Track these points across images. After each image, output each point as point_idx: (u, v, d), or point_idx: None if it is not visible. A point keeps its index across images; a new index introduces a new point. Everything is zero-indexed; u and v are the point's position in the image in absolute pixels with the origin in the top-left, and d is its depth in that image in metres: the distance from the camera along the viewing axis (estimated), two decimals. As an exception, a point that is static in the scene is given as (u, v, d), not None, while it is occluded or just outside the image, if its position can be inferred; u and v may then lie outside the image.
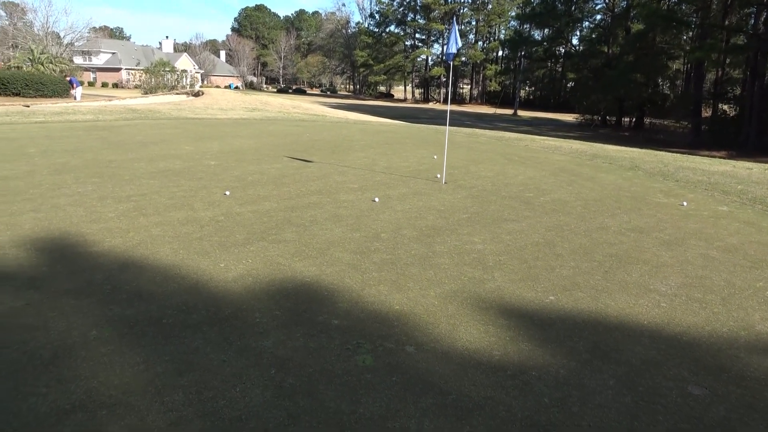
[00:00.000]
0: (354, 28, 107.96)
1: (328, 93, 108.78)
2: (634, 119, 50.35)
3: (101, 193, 7.71)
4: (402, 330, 3.90)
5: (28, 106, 25.06)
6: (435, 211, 7.44)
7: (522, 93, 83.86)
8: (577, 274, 5.23)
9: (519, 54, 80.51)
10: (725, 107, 43.68)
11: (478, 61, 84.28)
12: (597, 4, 59.91)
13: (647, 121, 48.22)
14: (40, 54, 43.61)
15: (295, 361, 3.42)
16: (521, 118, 58.53)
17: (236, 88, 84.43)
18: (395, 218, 6.99)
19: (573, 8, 59.11)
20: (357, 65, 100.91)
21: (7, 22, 71.85)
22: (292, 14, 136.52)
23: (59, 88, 34.27)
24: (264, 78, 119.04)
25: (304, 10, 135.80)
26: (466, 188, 9.25)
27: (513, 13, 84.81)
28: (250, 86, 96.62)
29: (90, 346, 3.50)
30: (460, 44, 8.60)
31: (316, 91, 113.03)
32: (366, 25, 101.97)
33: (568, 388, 3.26)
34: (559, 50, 71.56)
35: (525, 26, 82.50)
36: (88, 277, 4.63)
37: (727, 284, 5.13)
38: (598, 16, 59.85)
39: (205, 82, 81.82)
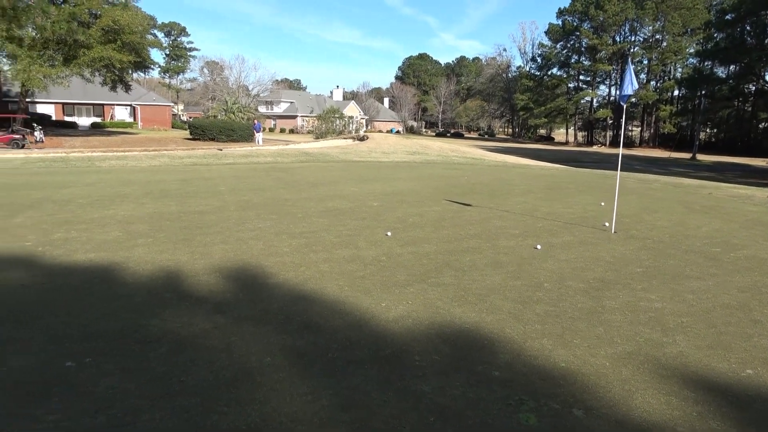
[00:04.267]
0: (515, 72, 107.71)
1: (486, 136, 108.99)
2: None
3: (277, 229, 8.44)
4: (569, 390, 3.62)
5: (221, 150, 28.68)
6: (604, 263, 6.94)
7: (702, 135, 76.18)
8: (782, 345, 4.46)
9: (698, 93, 73.80)
10: None
11: (650, 102, 78.59)
12: (798, 35, 52.99)
13: None
14: (233, 104, 49.97)
15: (454, 410, 3.33)
16: (701, 162, 53.00)
17: (397, 132, 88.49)
18: (559, 268, 6.64)
19: (767, 41, 52.84)
20: (517, 109, 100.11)
21: (208, 79, 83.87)
22: (452, 61, 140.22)
23: (246, 133, 38.81)
24: (423, 122, 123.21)
25: (464, 57, 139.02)
26: (639, 239, 8.51)
27: (691, 50, 78.32)
28: (410, 130, 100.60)
29: (265, 372, 3.76)
30: (636, 86, 8.09)
31: (473, 134, 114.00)
32: (527, 69, 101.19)
33: (778, 484, 2.74)
34: (748, 88, 64.14)
35: (706, 63, 75.65)
36: (265, 306, 5.04)
37: None
38: (800, 48, 52.79)
39: (369, 127, 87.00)
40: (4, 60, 35.91)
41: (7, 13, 30.84)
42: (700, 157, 58.96)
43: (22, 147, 27.94)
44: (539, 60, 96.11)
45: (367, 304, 5.15)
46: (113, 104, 59.26)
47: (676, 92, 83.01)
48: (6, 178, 14.32)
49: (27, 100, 40.83)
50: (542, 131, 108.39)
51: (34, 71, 31.65)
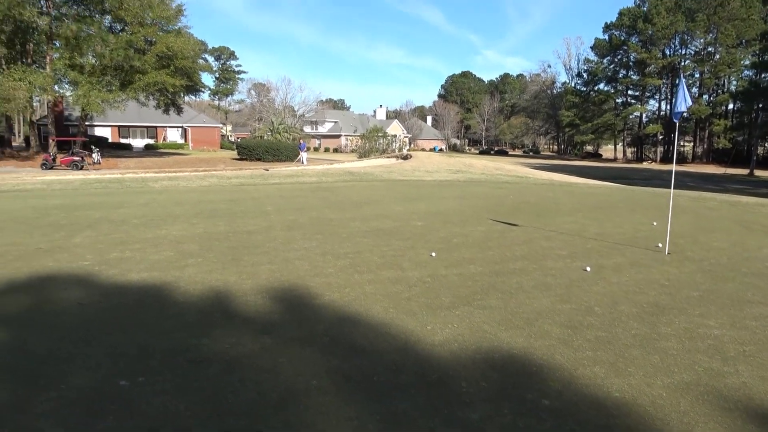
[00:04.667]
0: (560, 88, 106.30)
1: (531, 154, 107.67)
2: None
3: (323, 250, 8.52)
4: (623, 422, 3.48)
5: (268, 170, 29.33)
6: (657, 286, 6.68)
7: (759, 150, 72.96)
8: None
9: (755, 106, 70.90)
10: None
11: (703, 116, 75.88)
12: None
13: None
14: (279, 125, 51.19)
15: (504, 440, 3.25)
16: (759, 178, 50.70)
17: (440, 150, 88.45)
18: (610, 291, 6.44)
19: (829, 52, 50.48)
20: (562, 125, 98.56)
21: (255, 100, 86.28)
22: (496, 78, 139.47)
23: (291, 153, 39.61)
24: (467, 140, 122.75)
25: (508, 74, 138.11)
26: (695, 261, 8.17)
27: (747, 62, 75.43)
28: (453, 148, 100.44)
29: (311, 395, 3.77)
30: (690, 102, 7.85)
31: (518, 152, 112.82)
32: (573, 85, 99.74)
33: None
34: (810, 100, 61.14)
35: (763, 75, 72.67)
36: (311, 327, 5.07)
37: None
38: None
39: (412, 146, 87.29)
40: (66, 86, 38.06)
41: (70, 42, 32.74)
42: (758, 172, 56.45)
43: (81, 168, 29.34)
44: (585, 75, 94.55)
45: (413, 327, 5.11)
46: (165, 126, 61.73)
47: (730, 106, 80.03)
48: (67, 199, 15.04)
49: (86, 123, 42.99)
50: (589, 148, 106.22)
51: (93, 96, 33.41)
